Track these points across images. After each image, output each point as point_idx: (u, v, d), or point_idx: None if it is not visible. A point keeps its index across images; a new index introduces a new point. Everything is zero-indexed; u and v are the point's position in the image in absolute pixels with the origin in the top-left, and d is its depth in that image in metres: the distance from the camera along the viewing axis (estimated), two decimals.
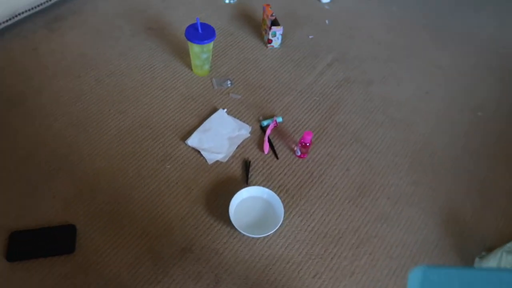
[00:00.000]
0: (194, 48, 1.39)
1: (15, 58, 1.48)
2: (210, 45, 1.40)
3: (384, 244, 1.16)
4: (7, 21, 1.50)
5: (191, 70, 1.51)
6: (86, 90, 1.41)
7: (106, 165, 1.23)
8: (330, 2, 1.87)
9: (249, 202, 1.18)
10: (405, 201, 1.26)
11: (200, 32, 1.37)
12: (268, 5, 1.59)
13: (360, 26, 1.78)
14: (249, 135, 1.35)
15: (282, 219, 1.13)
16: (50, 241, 1.07)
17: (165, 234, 1.12)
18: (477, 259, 1.13)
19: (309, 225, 1.18)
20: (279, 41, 1.62)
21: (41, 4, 1.57)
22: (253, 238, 1.13)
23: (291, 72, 1.56)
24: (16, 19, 1.52)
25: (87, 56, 1.51)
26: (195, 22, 1.38)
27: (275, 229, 1.11)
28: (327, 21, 1.78)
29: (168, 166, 1.26)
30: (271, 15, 1.56)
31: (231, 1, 1.79)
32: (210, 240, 1.12)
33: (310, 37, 1.70)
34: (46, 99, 1.38)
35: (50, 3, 1.60)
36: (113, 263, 1.06)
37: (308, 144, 1.27)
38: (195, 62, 1.45)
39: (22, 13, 1.53)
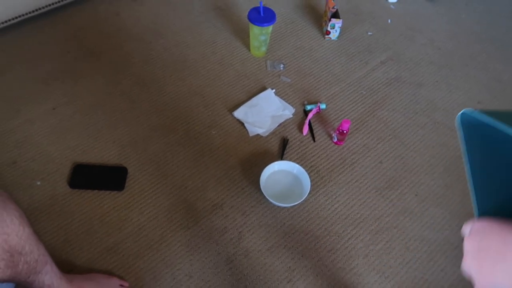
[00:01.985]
0: (254, 30, 1.50)
1: (100, 19, 1.68)
2: (269, 28, 1.50)
3: (403, 236, 1.20)
4: None
5: (249, 50, 1.62)
6: (154, 55, 1.58)
7: (160, 122, 1.39)
8: (397, 2, 1.88)
9: (279, 175, 1.28)
10: (433, 200, 1.28)
11: (262, 15, 1.47)
12: None
13: (423, 29, 1.79)
14: (291, 116, 1.44)
15: (307, 194, 1.21)
16: (105, 178, 1.25)
17: (201, 189, 1.25)
18: None
19: (332, 205, 1.25)
20: (337, 34, 1.68)
21: None
22: (278, 206, 1.22)
23: (343, 64, 1.62)
24: None
25: (159, 25, 1.67)
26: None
27: (300, 201, 1.20)
28: (389, 20, 1.80)
29: (214, 132, 1.38)
30: (333, 8, 1.62)
31: None
32: (240, 202, 1.24)
33: (369, 33, 1.74)
34: (119, 58, 1.56)
35: None
36: (153, 205, 1.21)
37: (345, 132, 1.33)
38: (253, 43, 1.56)
39: None
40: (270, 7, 1.50)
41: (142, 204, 1.21)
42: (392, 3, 1.88)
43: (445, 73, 1.63)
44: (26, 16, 1.57)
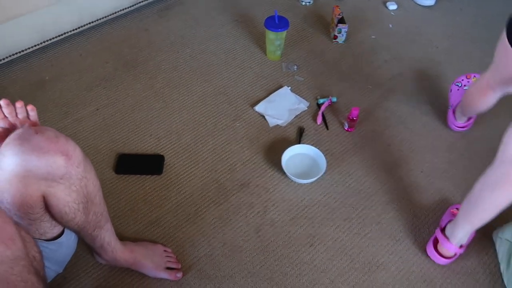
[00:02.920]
0: (270, 35, 1.70)
1: (132, 35, 1.90)
2: (283, 33, 1.70)
3: (411, 205, 1.34)
4: (129, 7, 1.94)
5: (266, 55, 1.82)
6: (182, 62, 1.78)
7: (190, 117, 1.57)
8: (396, 9, 2.08)
9: (299, 157, 1.44)
10: (438, 175, 1.42)
11: (277, 22, 1.67)
12: (337, 6, 1.85)
13: (422, 32, 1.97)
14: (306, 108, 1.61)
15: (323, 172, 1.37)
16: (145, 164, 1.42)
17: (229, 171, 1.42)
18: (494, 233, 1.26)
19: (347, 182, 1.40)
20: (343, 38, 1.87)
21: None
22: (298, 183, 1.38)
23: (350, 64, 1.80)
24: (136, 6, 1.96)
25: (185, 38, 1.89)
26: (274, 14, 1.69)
27: (317, 178, 1.35)
28: (390, 25, 1.99)
29: (238, 124, 1.56)
30: (339, 15, 1.82)
31: (307, 3, 2.08)
32: (264, 181, 1.40)
33: (373, 37, 1.93)
34: (151, 67, 1.76)
35: None
36: (188, 186, 1.38)
37: (355, 119, 1.50)
38: (269, 47, 1.76)
39: (142, 1, 1.97)
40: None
41: (178, 185, 1.38)
42: (392, 11, 2.07)
43: (444, 68, 1.80)
44: (67, 34, 1.80)
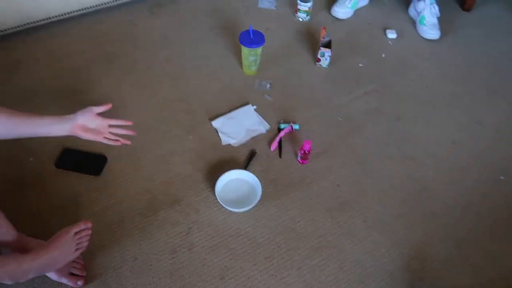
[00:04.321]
0: (244, 50, 1.64)
1: (119, 28, 1.89)
2: (258, 50, 1.63)
3: (340, 256, 1.26)
4: None
5: (241, 68, 1.76)
6: (156, 63, 1.76)
7: (144, 121, 1.55)
8: (396, 38, 1.95)
9: (238, 182, 1.38)
10: (379, 228, 1.33)
11: (251, 38, 1.61)
12: (324, 28, 1.76)
13: (415, 66, 1.84)
14: (265, 132, 1.55)
15: (254, 204, 1.31)
16: (86, 163, 1.42)
17: (166, 184, 1.39)
18: None
19: (281, 217, 1.33)
20: (327, 62, 1.78)
21: None
22: (230, 211, 1.33)
23: (327, 90, 1.71)
24: None
25: (167, 38, 1.86)
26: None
27: (245, 209, 1.30)
28: (383, 55, 1.88)
29: (190, 137, 1.52)
30: (323, 38, 1.73)
31: (305, 19, 1.99)
32: (197, 201, 1.36)
33: (360, 65, 1.82)
34: (127, 63, 1.75)
35: None
36: (121, 192, 1.36)
37: (307, 152, 1.42)
38: (244, 62, 1.70)
39: None
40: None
41: (112, 189, 1.37)
42: (391, 39, 1.95)
43: (427, 110, 1.67)
44: (53, 19, 1.81)
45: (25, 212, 1.30)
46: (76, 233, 1.09)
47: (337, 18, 2.01)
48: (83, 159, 1.43)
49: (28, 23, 1.77)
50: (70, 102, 1.59)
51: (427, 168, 1.49)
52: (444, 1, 2.07)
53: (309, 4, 1.93)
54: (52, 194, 1.35)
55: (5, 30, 1.75)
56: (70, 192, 1.36)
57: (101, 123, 1.15)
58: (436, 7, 1.94)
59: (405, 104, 1.69)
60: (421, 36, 1.97)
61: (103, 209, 1.32)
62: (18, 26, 1.76)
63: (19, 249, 1.10)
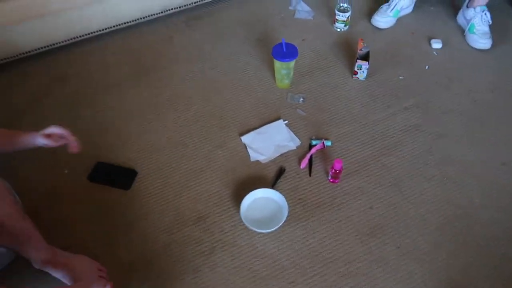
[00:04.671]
0: (276, 64, 1.60)
1: (156, 40, 1.93)
2: (291, 63, 1.59)
3: (370, 284, 1.19)
4: (160, 13, 1.97)
5: (275, 81, 1.72)
6: (190, 76, 1.77)
7: (175, 135, 1.56)
8: (441, 48, 1.83)
9: (263, 201, 1.35)
10: (415, 256, 1.24)
11: (284, 51, 1.57)
12: (361, 39, 1.68)
13: (462, 78, 1.71)
14: (295, 148, 1.50)
15: (279, 225, 1.26)
16: (117, 176, 1.45)
17: (193, 200, 1.38)
18: None
19: (307, 240, 1.28)
20: (364, 75, 1.70)
21: (189, 4, 2.00)
22: (254, 231, 1.29)
23: (364, 105, 1.63)
24: (167, 12, 1.98)
25: (202, 51, 1.87)
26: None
27: (270, 230, 1.26)
28: (427, 66, 1.76)
29: (220, 152, 1.51)
30: (360, 50, 1.65)
31: (342, 30, 1.92)
32: (222, 219, 1.34)
33: (401, 77, 1.72)
34: (164, 76, 1.77)
35: (194, 4, 2.02)
36: (148, 207, 1.38)
37: (337, 171, 1.36)
38: (277, 75, 1.67)
39: (173, 8, 1.98)
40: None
41: (139, 204, 1.39)
42: (436, 50, 1.82)
43: (473, 127, 1.54)
44: (94, 34, 1.88)
45: (56, 222, 1.35)
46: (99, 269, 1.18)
47: (377, 28, 1.92)
48: (114, 173, 1.46)
49: (71, 38, 1.86)
50: (110, 113, 1.64)
51: (471, 192, 1.37)
52: (496, 6, 1.91)
53: (347, 14, 1.86)
54: (82, 206, 1.39)
55: (53, 45, 1.84)
56: (99, 206, 1.39)
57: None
58: (488, 14, 1.80)
59: (449, 120, 1.57)
60: (470, 46, 1.82)
61: (128, 224, 1.34)
62: (63, 41, 1.85)
63: (49, 262, 1.15)
